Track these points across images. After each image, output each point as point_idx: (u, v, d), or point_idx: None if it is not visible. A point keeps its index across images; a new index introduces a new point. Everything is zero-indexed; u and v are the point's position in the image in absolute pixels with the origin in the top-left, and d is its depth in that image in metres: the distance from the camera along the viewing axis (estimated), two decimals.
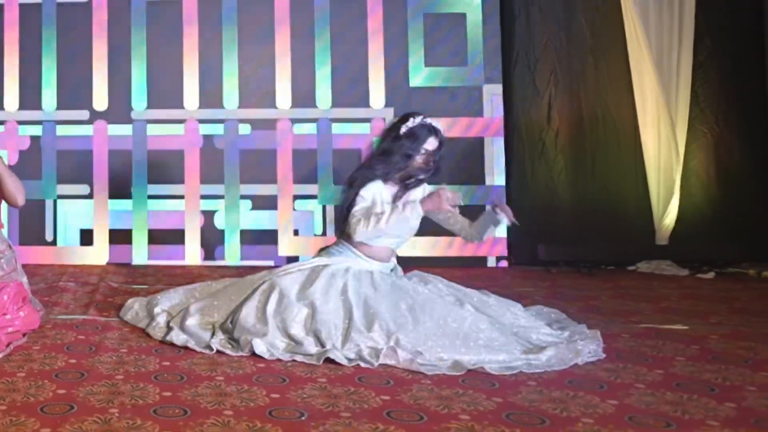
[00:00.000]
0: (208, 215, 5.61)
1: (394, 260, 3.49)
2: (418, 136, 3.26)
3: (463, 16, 5.58)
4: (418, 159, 3.28)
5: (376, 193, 3.25)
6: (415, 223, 3.26)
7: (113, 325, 3.40)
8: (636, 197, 5.46)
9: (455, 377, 2.62)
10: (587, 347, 2.89)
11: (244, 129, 5.62)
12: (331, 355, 2.80)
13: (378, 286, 3.16)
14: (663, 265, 5.19)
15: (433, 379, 2.59)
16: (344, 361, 2.78)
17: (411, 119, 3.31)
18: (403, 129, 3.29)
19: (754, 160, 5.51)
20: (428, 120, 3.31)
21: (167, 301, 3.48)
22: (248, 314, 3.09)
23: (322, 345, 2.89)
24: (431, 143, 3.27)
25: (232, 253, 5.56)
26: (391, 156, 3.27)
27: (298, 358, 2.84)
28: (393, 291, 3.13)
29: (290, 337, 2.95)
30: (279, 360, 2.84)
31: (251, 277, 3.41)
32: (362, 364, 2.76)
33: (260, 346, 2.89)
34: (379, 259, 3.33)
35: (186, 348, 3.00)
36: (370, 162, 3.35)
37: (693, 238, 5.34)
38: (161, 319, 3.30)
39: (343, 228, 3.32)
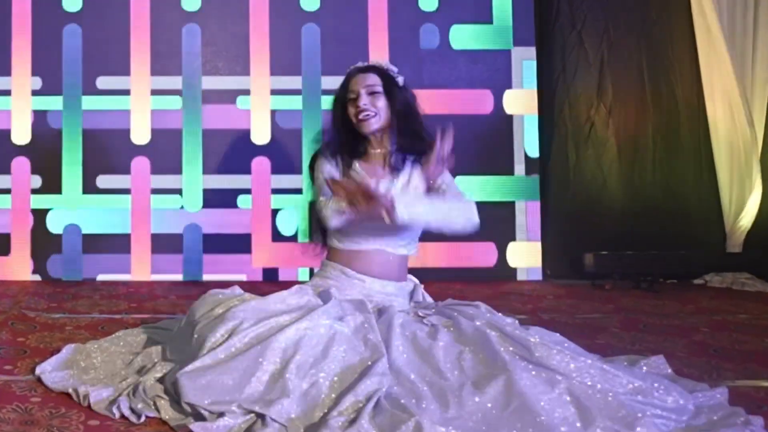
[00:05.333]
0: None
1: (410, 280, 2.50)
2: (343, 84, 2.52)
3: None
4: (350, 109, 2.47)
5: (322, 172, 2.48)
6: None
7: (14, 391, 2.24)
8: (702, 193, 4.41)
9: None
10: None
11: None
12: None
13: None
14: (741, 278, 4.16)
15: None
16: None
17: None
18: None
19: None
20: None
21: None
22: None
23: None
24: (356, 80, 2.47)
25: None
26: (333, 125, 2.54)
27: None
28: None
29: None
30: None
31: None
32: None
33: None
34: (380, 275, 2.39)
35: None
36: None
37: None
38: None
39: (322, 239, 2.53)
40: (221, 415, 1.89)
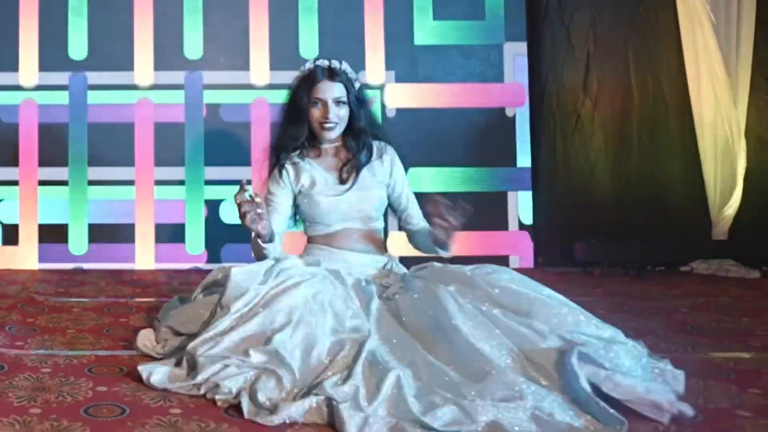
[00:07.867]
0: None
1: (388, 256, 2.59)
2: (306, 86, 2.54)
3: None
4: (314, 113, 2.54)
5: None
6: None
7: (26, 363, 2.32)
8: (688, 182, 4.46)
9: None
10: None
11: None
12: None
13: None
14: (726, 265, 4.23)
15: None
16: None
17: (305, 65, 2.61)
18: (294, 82, 2.61)
19: None
20: (327, 61, 2.56)
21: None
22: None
23: None
24: (324, 89, 2.51)
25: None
26: (283, 123, 2.63)
27: None
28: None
29: None
30: None
31: None
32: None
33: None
34: (359, 249, 2.54)
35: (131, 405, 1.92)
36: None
37: (757, 231, 4.36)
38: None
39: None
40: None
